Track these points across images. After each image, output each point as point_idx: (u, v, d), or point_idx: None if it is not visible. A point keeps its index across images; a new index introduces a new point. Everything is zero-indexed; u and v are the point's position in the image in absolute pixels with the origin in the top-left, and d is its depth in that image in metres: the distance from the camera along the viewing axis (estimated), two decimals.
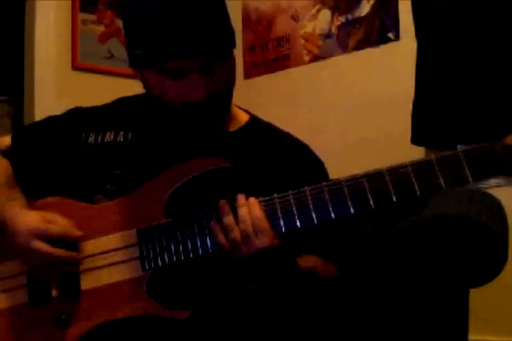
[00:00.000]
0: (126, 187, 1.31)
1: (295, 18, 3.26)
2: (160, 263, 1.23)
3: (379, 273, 1.38)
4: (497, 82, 2.40)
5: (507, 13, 2.37)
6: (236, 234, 1.17)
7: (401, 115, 2.68)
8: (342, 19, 3.06)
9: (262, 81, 3.37)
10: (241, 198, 1.20)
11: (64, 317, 1.25)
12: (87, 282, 1.26)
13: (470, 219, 1.24)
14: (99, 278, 1.26)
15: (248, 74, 3.42)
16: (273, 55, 3.34)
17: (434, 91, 2.55)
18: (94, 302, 1.25)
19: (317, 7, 3.17)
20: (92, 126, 1.41)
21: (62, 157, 1.40)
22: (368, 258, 1.41)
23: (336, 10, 3.09)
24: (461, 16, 2.48)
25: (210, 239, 1.21)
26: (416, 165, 1.13)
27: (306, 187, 1.18)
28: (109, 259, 1.26)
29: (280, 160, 1.37)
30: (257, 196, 1.20)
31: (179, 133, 1.37)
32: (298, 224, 1.17)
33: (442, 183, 1.11)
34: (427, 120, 2.58)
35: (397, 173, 1.13)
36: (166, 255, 1.23)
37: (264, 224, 1.17)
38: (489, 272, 1.25)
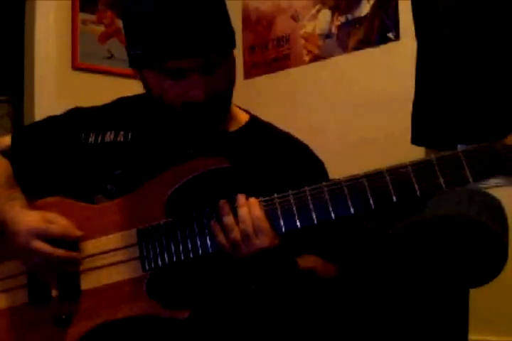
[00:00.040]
0: (126, 187, 1.31)
1: (295, 18, 3.26)
2: (160, 263, 1.23)
3: (379, 273, 1.38)
4: (497, 82, 2.40)
5: (507, 13, 2.37)
6: (236, 234, 1.17)
7: (401, 115, 2.68)
8: (342, 19, 3.06)
9: (262, 81, 3.37)
10: (241, 198, 1.20)
11: (64, 317, 1.25)
12: (87, 282, 1.26)
13: (470, 219, 1.24)
14: (99, 278, 1.26)
15: (248, 74, 3.42)
16: (273, 55, 3.34)
17: (434, 91, 2.55)
18: (94, 303, 1.25)
19: (317, 7, 3.17)
20: (92, 126, 1.41)
21: (62, 157, 1.40)
22: (368, 258, 1.41)
23: (336, 10, 3.09)
24: (461, 16, 2.48)
25: (210, 239, 1.21)
26: (416, 165, 1.13)
27: (307, 187, 1.18)
28: (109, 259, 1.26)
29: (280, 160, 1.37)
30: (257, 196, 1.20)
31: (179, 133, 1.37)
32: (298, 224, 1.17)
33: (442, 183, 1.11)
34: (427, 120, 2.58)
35: (397, 173, 1.14)
36: (166, 255, 1.23)
37: (264, 224, 1.17)
38: (489, 272, 1.25)
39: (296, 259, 1.26)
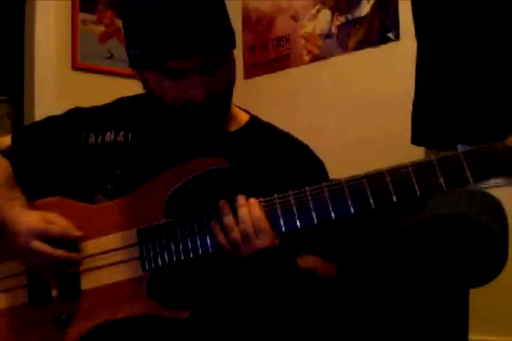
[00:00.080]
0: (126, 187, 1.31)
1: (295, 18, 3.26)
2: (160, 263, 1.23)
3: (379, 273, 1.38)
4: (497, 82, 2.40)
5: (507, 13, 2.37)
6: (236, 234, 1.17)
7: (401, 115, 2.68)
8: (342, 19, 3.06)
9: (262, 81, 3.37)
10: (241, 198, 1.20)
11: (64, 317, 1.25)
12: (87, 282, 1.26)
13: (470, 219, 1.24)
14: (99, 278, 1.26)
15: (248, 74, 3.42)
16: (273, 55, 3.34)
17: (434, 91, 2.55)
18: (94, 303, 1.25)
19: (317, 7, 3.17)
20: (92, 126, 1.41)
21: (63, 157, 1.40)
22: (368, 258, 1.41)
23: (336, 10, 3.09)
24: (461, 16, 2.48)
25: (210, 239, 1.21)
26: (416, 166, 1.13)
27: (307, 188, 1.18)
28: (109, 259, 1.26)
29: (280, 160, 1.37)
30: (257, 196, 1.20)
31: (179, 133, 1.37)
32: (298, 224, 1.17)
33: (443, 184, 1.11)
34: (427, 120, 2.58)
35: (397, 174, 1.14)
36: (166, 255, 1.23)
37: (264, 224, 1.17)
38: (489, 272, 1.25)
39: (296, 259, 1.26)
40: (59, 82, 3.10)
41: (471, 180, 1.10)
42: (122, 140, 1.38)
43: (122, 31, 1.33)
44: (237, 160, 1.29)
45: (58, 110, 1.49)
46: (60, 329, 1.24)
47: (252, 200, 1.19)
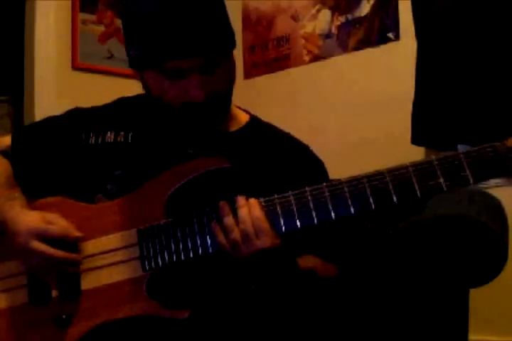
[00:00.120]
0: (126, 187, 1.31)
1: (295, 18, 3.26)
2: (160, 263, 1.23)
3: (379, 273, 1.38)
4: (497, 82, 2.40)
5: (507, 13, 2.37)
6: (236, 234, 1.17)
7: (401, 115, 2.68)
8: (342, 19, 3.06)
9: (262, 81, 3.37)
10: (241, 199, 1.20)
11: (64, 317, 1.25)
12: (87, 282, 1.26)
13: (470, 219, 1.24)
14: (99, 278, 1.26)
15: (248, 74, 3.42)
16: (273, 55, 3.34)
17: (434, 91, 2.55)
18: (94, 302, 1.25)
19: (317, 7, 3.17)
20: (92, 126, 1.41)
21: (63, 157, 1.40)
22: (368, 258, 1.41)
23: (336, 10, 3.09)
24: (461, 16, 2.48)
25: (210, 239, 1.21)
26: (416, 166, 1.13)
27: (307, 188, 1.18)
28: (109, 259, 1.26)
29: (280, 160, 1.37)
30: (257, 196, 1.20)
31: (179, 133, 1.37)
32: (298, 224, 1.17)
33: (443, 184, 1.11)
34: (427, 120, 2.58)
35: (397, 174, 1.14)
36: (166, 255, 1.23)
37: (265, 224, 1.17)
38: (489, 272, 1.25)
39: (296, 259, 1.26)
40: (59, 82, 3.10)
41: (471, 180, 1.10)
42: (122, 140, 1.38)
43: (122, 31, 1.33)
44: (237, 160, 1.29)
45: (58, 110, 1.49)
46: (60, 329, 1.24)
47: (252, 200, 1.19)
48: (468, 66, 2.45)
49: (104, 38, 3.25)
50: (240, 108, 1.46)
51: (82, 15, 3.20)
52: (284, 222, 1.18)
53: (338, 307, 1.37)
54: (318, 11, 3.16)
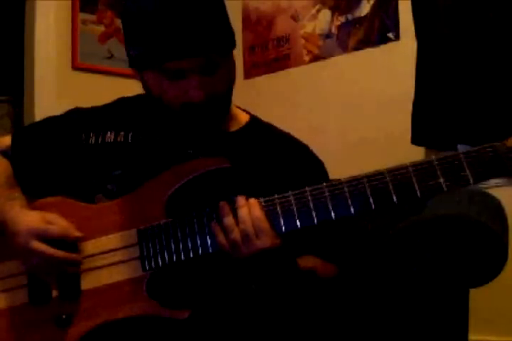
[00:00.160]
0: (126, 187, 1.31)
1: (295, 18, 3.26)
2: (160, 263, 1.23)
3: (379, 273, 1.38)
4: (497, 82, 2.40)
5: (507, 13, 2.37)
6: (236, 234, 1.17)
7: (401, 115, 2.68)
8: (342, 19, 3.06)
9: (262, 81, 3.37)
10: (241, 199, 1.20)
11: (64, 317, 1.25)
12: (87, 282, 1.26)
13: (470, 219, 1.24)
14: (99, 278, 1.26)
15: (248, 74, 3.42)
16: (273, 55, 3.34)
17: (434, 91, 2.55)
18: (94, 302, 1.25)
19: (317, 7, 3.17)
20: (92, 126, 1.41)
21: (63, 157, 1.40)
22: (368, 258, 1.41)
23: (336, 10, 3.09)
24: (461, 16, 2.48)
25: (210, 239, 1.21)
26: (416, 166, 1.13)
27: (307, 188, 1.18)
28: (109, 259, 1.26)
29: (280, 160, 1.37)
30: (257, 196, 1.20)
31: (179, 133, 1.37)
32: (298, 224, 1.17)
33: (443, 184, 1.11)
34: (427, 120, 2.58)
35: (397, 174, 1.14)
36: (166, 255, 1.23)
37: (265, 224, 1.17)
38: (489, 272, 1.25)
39: (296, 259, 1.26)
40: (59, 82, 3.10)
41: (471, 180, 1.10)
42: (122, 140, 1.38)
43: (122, 31, 1.33)
44: (238, 160, 1.29)
45: (58, 110, 1.49)
46: (60, 330, 1.24)
47: (252, 200, 1.19)
48: (468, 66, 2.45)
49: (104, 38, 3.25)
50: (240, 108, 1.46)
51: (82, 15, 3.20)
52: (284, 222, 1.18)
53: (338, 307, 1.37)
54: (318, 11, 3.16)
